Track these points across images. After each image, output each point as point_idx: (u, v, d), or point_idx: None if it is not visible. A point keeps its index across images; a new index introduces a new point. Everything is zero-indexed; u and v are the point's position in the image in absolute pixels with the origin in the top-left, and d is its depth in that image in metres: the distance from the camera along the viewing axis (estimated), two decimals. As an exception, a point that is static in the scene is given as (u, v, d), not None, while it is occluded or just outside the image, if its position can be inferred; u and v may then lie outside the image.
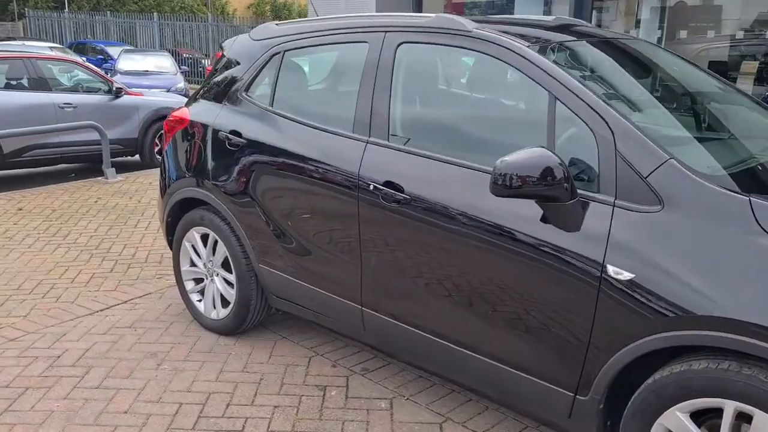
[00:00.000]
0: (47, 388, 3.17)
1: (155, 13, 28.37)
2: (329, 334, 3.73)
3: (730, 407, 1.96)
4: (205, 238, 3.70)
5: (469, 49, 2.69)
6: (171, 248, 4.00)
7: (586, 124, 2.31)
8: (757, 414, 1.91)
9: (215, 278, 3.70)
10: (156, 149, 9.02)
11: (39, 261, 4.99)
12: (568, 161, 2.34)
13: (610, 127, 2.26)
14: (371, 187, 2.79)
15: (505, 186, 2.22)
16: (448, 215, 2.57)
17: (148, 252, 5.24)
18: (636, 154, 2.20)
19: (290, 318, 3.88)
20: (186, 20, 28.18)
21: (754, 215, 2.00)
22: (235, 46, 3.72)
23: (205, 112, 3.67)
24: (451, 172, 2.60)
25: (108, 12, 29.32)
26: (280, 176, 3.21)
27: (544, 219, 2.32)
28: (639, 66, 3.03)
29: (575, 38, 2.88)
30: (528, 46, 2.54)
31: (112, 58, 19.04)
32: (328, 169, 2.99)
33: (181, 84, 15.69)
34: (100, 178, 7.86)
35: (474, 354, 2.61)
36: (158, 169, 8.57)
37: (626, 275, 2.13)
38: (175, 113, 3.84)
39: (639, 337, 2.12)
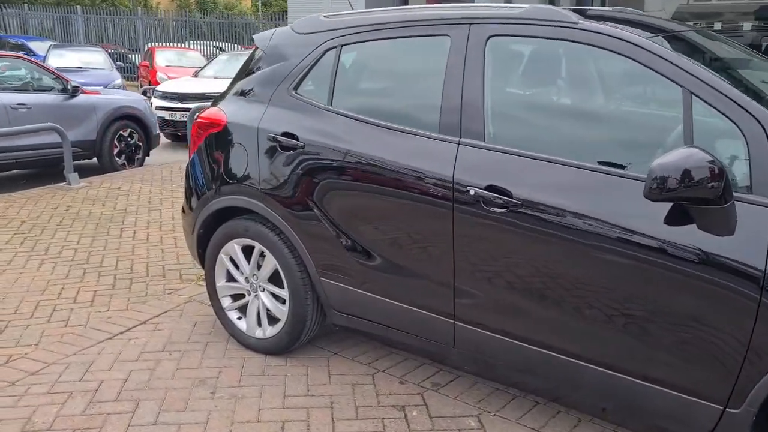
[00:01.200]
0: (97, 429, 2.81)
1: (78, 7, 26.85)
2: (383, 348, 3.50)
3: None
4: (247, 250, 3.39)
5: (578, 43, 2.51)
6: (200, 262, 3.67)
7: (732, 120, 2.18)
8: None
9: (261, 294, 3.40)
10: (115, 151, 8.46)
11: (27, 279, 4.52)
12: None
13: (760, 123, 2.13)
14: (471, 192, 2.58)
15: (662, 189, 2.05)
16: (568, 222, 2.39)
17: (146, 264, 4.83)
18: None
19: (332, 332, 3.61)
20: (110, 14, 26.80)
21: None
22: (275, 40, 3.41)
23: (245, 112, 3.35)
24: (573, 176, 2.41)
25: (26, 5, 27.53)
26: (351, 182, 2.95)
27: (691, 223, 2.17)
28: (733, 56, 2.92)
29: (669, 30, 2.75)
30: (650, 38, 2.39)
31: (36, 55, 17.86)
32: (414, 173, 2.75)
33: (119, 80, 14.86)
34: (61, 184, 7.27)
35: (595, 366, 2.44)
36: (120, 172, 8.11)
37: (792, 273, 2.01)
38: (207, 115, 3.50)
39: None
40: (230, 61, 12.16)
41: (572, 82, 2.68)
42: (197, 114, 3.67)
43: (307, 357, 3.43)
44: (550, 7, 2.63)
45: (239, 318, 3.55)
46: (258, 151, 3.24)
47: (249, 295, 3.46)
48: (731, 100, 2.19)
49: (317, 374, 3.27)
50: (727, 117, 2.19)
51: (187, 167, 3.65)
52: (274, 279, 3.34)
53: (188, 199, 3.64)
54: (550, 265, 2.45)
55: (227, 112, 3.41)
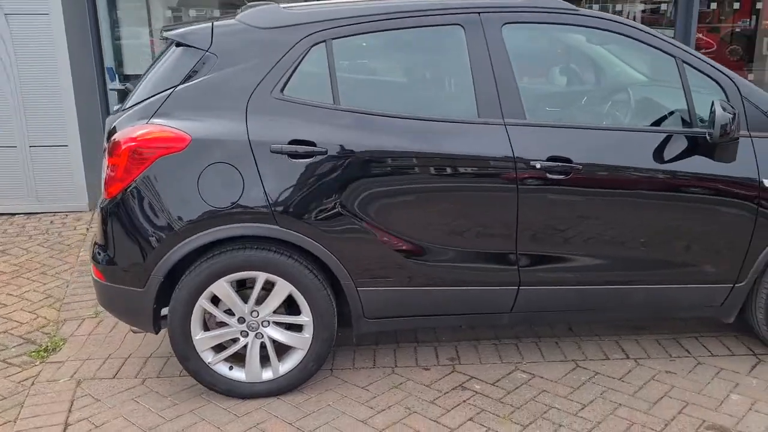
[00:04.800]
0: None
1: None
2: (367, 349, 3.44)
3: None
4: (244, 285, 2.90)
5: (582, 26, 2.99)
6: (151, 325, 2.93)
7: (716, 81, 2.99)
8: None
9: (267, 330, 2.96)
10: None
11: None
12: (703, 108, 2.98)
13: (734, 82, 3.00)
14: (538, 165, 2.85)
15: (724, 133, 2.75)
16: (620, 175, 2.91)
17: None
18: (756, 98, 3.01)
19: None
20: None
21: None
22: (223, 38, 2.88)
23: (215, 126, 2.80)
24: (614, 138, 2.92)
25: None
26: (397, 180, 2.85)
27: (710, 157, 2.93)
28: None
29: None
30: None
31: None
32: (470, 159, 2.85)
33: None
34: None
35: (641, 286, 3.06)
36: None
37: (778, 184, 2.97)
38: (151, 135, 2.77)
39: (788, 224, 3.00)
40: None
41: (579, 60, 3.14)
42: (122, 136, 2.81)
43: (319, 384, 3.15)
44: None
45: (231, 368, 3.00)
46: (257, 167, 2.78)
47: (246, 336, 2.96)
48: (714, 67, 2.99)
49: (389, 397, 3.07)
50: (713, 79, 2.99)
51: (113, 207, 2.83)
52: (282, 308, 2.96)
53: (125, 248, 2.84)
54: (608, 214, 2.94)
55: (186, 128, 2.78)
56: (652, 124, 3.08)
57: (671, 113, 3.09)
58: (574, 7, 2.98)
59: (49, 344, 3.62)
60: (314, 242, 2.84)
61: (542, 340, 3.51)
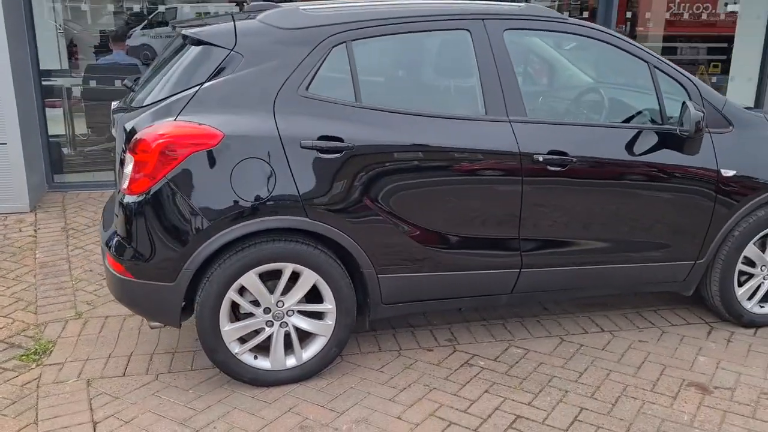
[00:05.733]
0: None
1: None
2: (369, 336, 3.63)
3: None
4: (268, 276, 3.01)
5: (572, 34, 3.33)
6: (175, 319, 2.99)
7: (680, 83, 3.42)
8: None
9: (291, 319, 3.08)
10: None
11: None
12: (671, 107, 3.40)
13: (695, 84, 3.45)
14: (540, 158, 3.16)
15: (697, 129, 3.18)
16: (609, 167, 3.28)
17: None
18: (712, 98, 3.47)
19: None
20: None
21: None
22: (249, 38, 2.96)
23: (246, 122, 2.89)
24: (601, 134, 3.29)
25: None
26: (417, 173, 3.05)
27: (679, 150, 3.35)
28: None
29: None
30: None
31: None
32: (483, 152, 3.11)
33: None
34: None
35: (622, 265, 3.46)
36: None
37: (731, 172, 3.44)
38: (182, 131, 2.81)
39: (740, 207, 3.49)
40: None
41: (570, 63, 3.48)
42: (150, 133, 2.81)
43: (334, 370, 3.30)
44: (539, 6, 3.34)
45: (255, 358, 3.10)
46: (288, 162, 2.90)
47: (271, 326, 3.07)
48: (677, 71, 3.42)
49: (404, 377, 3.26)
50: (678, 82, 3.42)
51: (142, 203, 2.85)
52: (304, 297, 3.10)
53: (155, 244, 2.87)
54: (597, 201, 3.30)
55: (218, 124, 2.85)
56: (626, 121, 3.47)
57: (639, 112, 3.49)
58: (563, 16, 3.32)
59: (37, 347, 3.53)
60: (341, 233, 3.00)
61: (525, 319, 3.84)
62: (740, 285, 3.68)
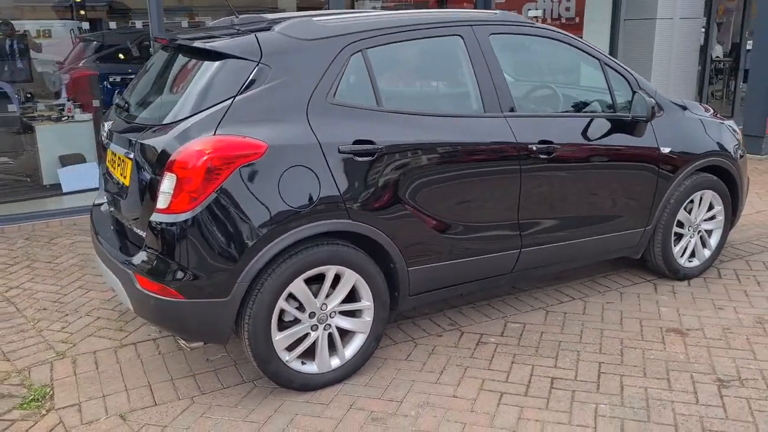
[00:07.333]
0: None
1: None
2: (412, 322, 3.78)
3: None
4: (309, 281, 3.09)
5: (541, 37, 3.76)
6: (221, 337, 2.98)
7: (623, 77, 3.98)
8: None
9: (334, 320, 3.18)
10: None
11: None
12: (621, 98, 3.94)
13: (633, 76, 4.03)
14: (534, 148, 3.54)
15: (652, 114, 3.74)
16: (582, 152, 3.74)
17: None
18: (647, 88, 4.08)
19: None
20: None
21: (684, 109, 4.30)
22: (275, 49, 3.00)
23: (285, 132, 2.94)
24: (576, 123, 3.75)
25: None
26: (438, 168, 3.27)
27: (630, 134, 3.91)
28: None
29: None
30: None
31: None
32: (489, 146, 3.41)
33: None
34: None
35: (595, 237, 3.94)
36: None
37: (667, 149, 4.08)
38: (227, 145, 2.80)
39: (675, 179, 4.13)
40: None
41: (539, 62, 3.87)
42: (190, 150, 2.74)
43: (367, 366, 3.42)
44: (512, 13, 3.72)
45: (303, 363, 3.15)
46: (329, 167, 3.00)
47: (315, 330, 3.14)
48: (622, 66, 3.98)
49: (420, 355, 3.43)
50: (622, 75, 3.97)
51: (189, 222, 2.80)
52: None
53: (208, 261, 2.83)
54: (576, 181, 3.75)
55: (260, 135, 2.88)
56: (587, 112, 3.97)
57: (591, 102, 4.01)
58: (532, 21, 3.75)
59: (34, 394, 3.26)
60: (378, 231, 3.15)
61: (505, 297, 4.20)
62: (675, 245, 4.33)
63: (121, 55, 7.79)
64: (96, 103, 7.14)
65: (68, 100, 7.05)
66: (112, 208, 3.45)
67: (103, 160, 3.55)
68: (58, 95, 7.30)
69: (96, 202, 3.81)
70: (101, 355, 3.59)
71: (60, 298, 4.30)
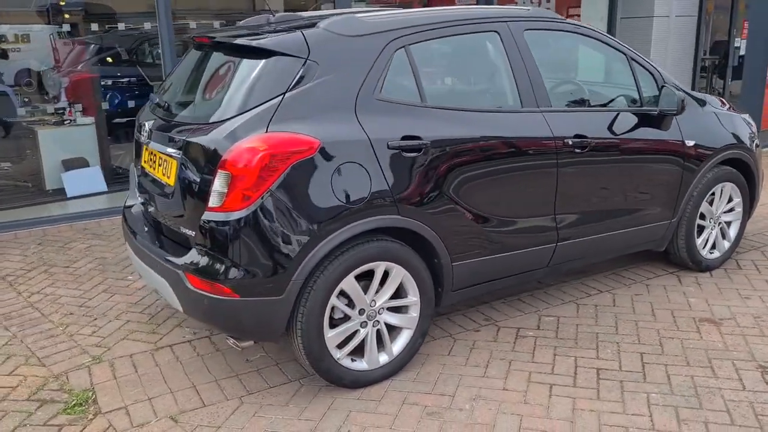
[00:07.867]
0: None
1: None
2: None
3: None
4: (363, 277, 3.09)
5: (571, 33, 3.80)
6: (274, 336, 2.97)
7: (649, 72, 4.04)
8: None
9: (382, 316, 3.17)
10: None
11: None
12: (647, 92, 4.00)
13: (659, 71, 4.09)
14: (570, 142, 3.57)
15: (681, 108, 3.81)
16: (614, 146, 3.79)
17: None
18: (671, 82, 4.14)
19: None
20: None
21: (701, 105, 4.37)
22: (323, 46, 2.99)
23: (337, 128, 2.94)
24: (606, 117, 3.79)
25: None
26: (483, 163, 3.29)
27: (657, 128, 3.97)
28: None
29: None
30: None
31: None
32: (531, 140, 3.44)
33: None
34: None
35: (625, 230, 3.99)
36: None
37: (692, 143, 4.14)
38: (283, 143, 2.79)
39: (698, 171, 4.20)
40: None
41: (572, 57, 3.91)
42: (243, 148, 2.72)
43: (412, 363, 3.42)
44: (544, 10, 3.75)
45: (353, 360, 3.15)
46: (379, 163, 3.00)
47: (365, 327, 3.14)
48: (647, 61, 4.04)
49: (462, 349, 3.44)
50: (647, 70, 4.03)
51: (244, 220, 2.78)
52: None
53: (264, 258, 2.82)
54: (609, 175, 3.80)
55: (312, 132, 2.87)
56: (610, 105, 4.02)
57: (619, 96, 4.06)
58: (563, 18, 3.79)
59: (76, 399, 3.21)
60: (425, 226, 3.15)
61: (534, 292, 4.23)
62: (697, 237, 4.40)
63: (110, 59, 7.73)
64: (105, 105, 7.07)
65: (69, 104, 6.95)
66: (150, 208, 3.41)
67: (138, 161, 3.52)
68: (57, 99, 7.19)
69: (127, 203, 3.76)
70: (138, 359, 3.55)
71: (85, 302, 4.23)
